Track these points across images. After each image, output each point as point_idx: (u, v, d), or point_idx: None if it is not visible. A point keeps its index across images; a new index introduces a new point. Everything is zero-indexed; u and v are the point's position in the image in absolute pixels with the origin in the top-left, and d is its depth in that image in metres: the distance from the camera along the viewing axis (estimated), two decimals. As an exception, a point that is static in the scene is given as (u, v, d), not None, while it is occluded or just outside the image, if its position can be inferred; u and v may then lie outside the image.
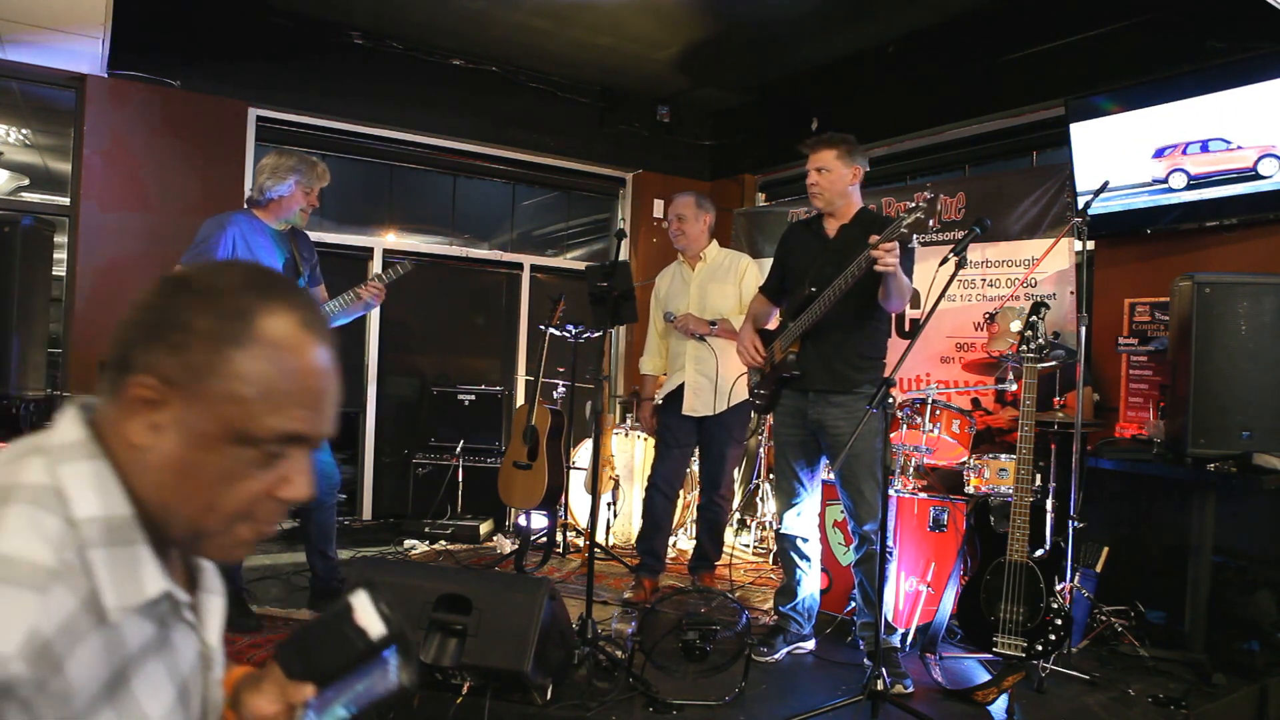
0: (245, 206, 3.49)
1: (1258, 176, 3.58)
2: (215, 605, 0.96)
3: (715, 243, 4.13)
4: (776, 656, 3.25)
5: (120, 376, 0.79)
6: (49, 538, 0.72)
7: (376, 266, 5.75)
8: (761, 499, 5.14)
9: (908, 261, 3.11)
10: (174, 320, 0.78)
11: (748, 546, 5.15)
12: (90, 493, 0.77)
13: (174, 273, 0.87)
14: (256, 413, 0.78)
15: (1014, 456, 3.14)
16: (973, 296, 4.56)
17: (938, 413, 3.64)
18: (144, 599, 0.79)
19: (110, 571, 0.76)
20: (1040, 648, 2.95)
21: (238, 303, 0.80)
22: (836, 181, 3.20)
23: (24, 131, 5.48)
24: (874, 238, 2.86)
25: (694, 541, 4.30)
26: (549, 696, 2.67)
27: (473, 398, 5.54)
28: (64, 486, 0.76)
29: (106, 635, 0.75)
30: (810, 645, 3.38)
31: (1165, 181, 3.86)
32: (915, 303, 3.72)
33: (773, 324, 3.51)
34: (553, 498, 4.54)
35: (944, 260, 2.82)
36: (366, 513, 5.64)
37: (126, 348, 0.79)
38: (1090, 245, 3.80)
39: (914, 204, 2.90)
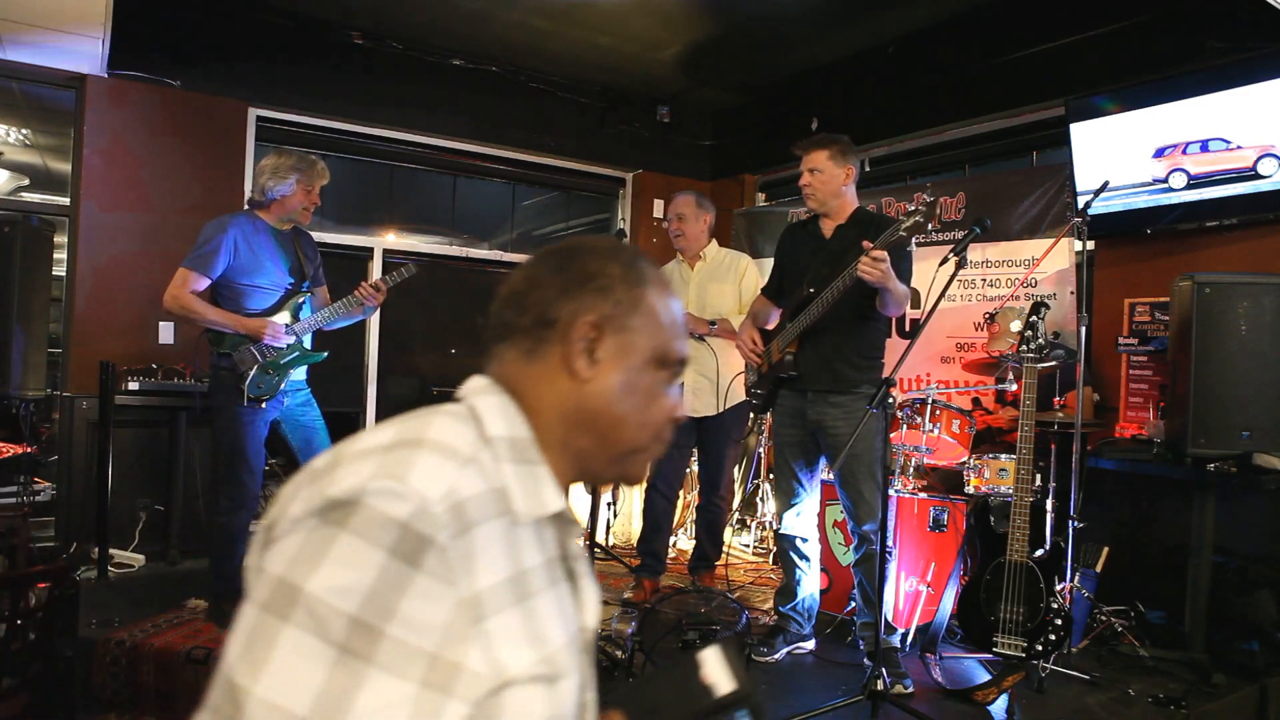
0: (247, 208, 3.49)
1: (1257, 176, 3.58)
2: (592, 595, 1.00)
3: (715, 242, 4.13)
4: (776, 656, 3.25)
5: (542, 331, 0.92)
6: (467, 439, 0.84)
7: (376, 266, 5.75)
8: (761, 499, 5.14)
9: (905, 264, 3.11)
10: (591, 271, 0.94)
11: (747, 546, 5.15)
12: (498, 417, 0.89)
13: (556, 247, 0.99)
14: (666, 338, 0.96)
15: (1014, 456, 3.14)
16: (973, 296, 4.56)
17: (938, 413, 3.64)
18: (546, 511, 0.88)
19: (518, 481, 0.86)
20: (1040, 648, 2.95)
21: (626, 252, 0.97)
22: (829, 182, 3.20)
23: (24, 131, 5.49)
24: (866, 243, 2.86)
25: (694, 542, 4.30)
26: (549, 696, 2.66)
27: (473, 398, 5.53)
28: (478, 410, 0.89)
29: (511, 532, 0.83)
30: (810, 645, 3.38)
31: (1165, 181, 3.86)
32: (915, 303, 3.72)
33: (773, 324, 3.51)
34: (553, 498, 4.53)
35: (944, 260, 2.82)
36: (366, 513, 5.63)
37: (543, 307, 0.93)
38: (1090, 245, 3.81)
39: (913, 207, 2.89)
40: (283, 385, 3.35)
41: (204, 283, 3.24)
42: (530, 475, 0.88)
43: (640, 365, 0.94)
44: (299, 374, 3.46)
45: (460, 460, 0.80)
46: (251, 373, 3.26)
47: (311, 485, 0.77)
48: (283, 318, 3.38)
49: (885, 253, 2.83)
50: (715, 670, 0.92)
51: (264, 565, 0.75)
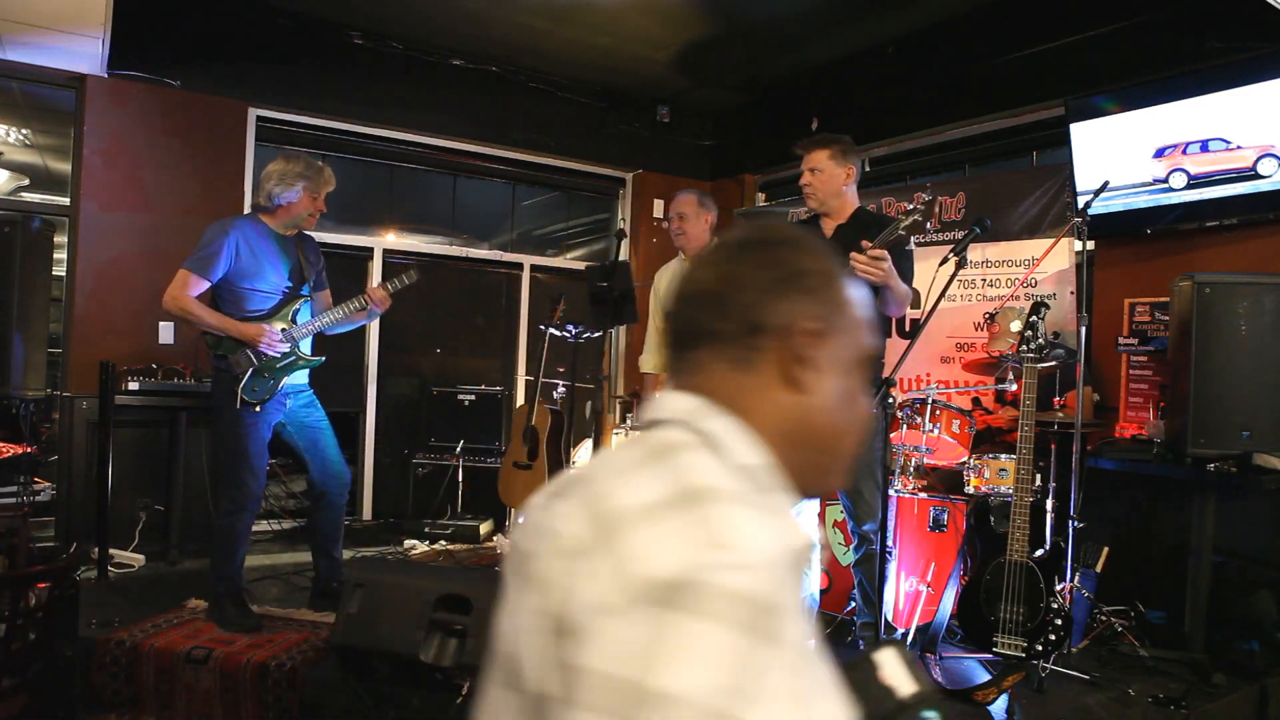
0: (251, 211, 3.48)
1: (1257, 176, 3.58)
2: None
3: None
4: (776, 656, 3.25)
5: (752, 338, 0.83)
6: (728, 475, 0.76)
7: (376, 266, 5.75)
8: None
9: (906, 264, 3.10)
10: (797, 268, 0.84)
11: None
12: (740, 444, 0.80)
13: (746, 238, 0.90)
14: (866, 334, 0.88)
15: (1014, 456, 3.14)
16: (973, 296, 4.56)
17: (938, 413, 3.64)
18: (805, 541, 0.79)
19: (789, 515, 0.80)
20: (1040, 648, 2.95)
21: (817, 241, 0.89)
22: (829, 182, 3.20)
23: (24, 131, 5.49)
24: (866, 243, 2.86)
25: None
26: (549, 696, 2.66)
27: (473, 398, 5.54)
28: (716, 437, 0.79)
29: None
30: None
31: (1165, 181, 3.85)
32: (915, 303, 3.71)
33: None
34: (553, 498, 4.53)
35: (944, 260, 2.82)
36: (366, 513, 5.64)
37: (750, 310, 0.83)
38: (1090, 245, 3.80)
39: (912, 205, 2.89)
40: (279, 389, 3.35)
41: (203, 285, 3.24)
42: (783, 503, 0.83)
43: (852, 369, 0.87)
44: (300, 376, 3.45)
45: (758, 506, 0.73)
46: (246, 376, 3.26)
47: (598, 560, 0.69)
48: (280, 322, 3.37)
49: (885, 252, 2.82)
50: (894, 672, 0.90)
51: (584, 663, 0.66)
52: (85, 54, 4.33)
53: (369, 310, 3.49)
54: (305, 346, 3.46)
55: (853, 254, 2.86)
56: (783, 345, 0.83)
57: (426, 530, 5.01)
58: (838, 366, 0.85)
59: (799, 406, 0.83)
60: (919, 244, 4.56)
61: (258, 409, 3.29)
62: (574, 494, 0.78)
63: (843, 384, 0.86)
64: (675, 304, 0.89)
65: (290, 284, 3.42)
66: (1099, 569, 3.54)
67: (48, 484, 4.57)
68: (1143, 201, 3.93)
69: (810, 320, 0.83)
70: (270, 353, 3.30)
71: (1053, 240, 4.20)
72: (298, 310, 3.43)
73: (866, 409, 0.91)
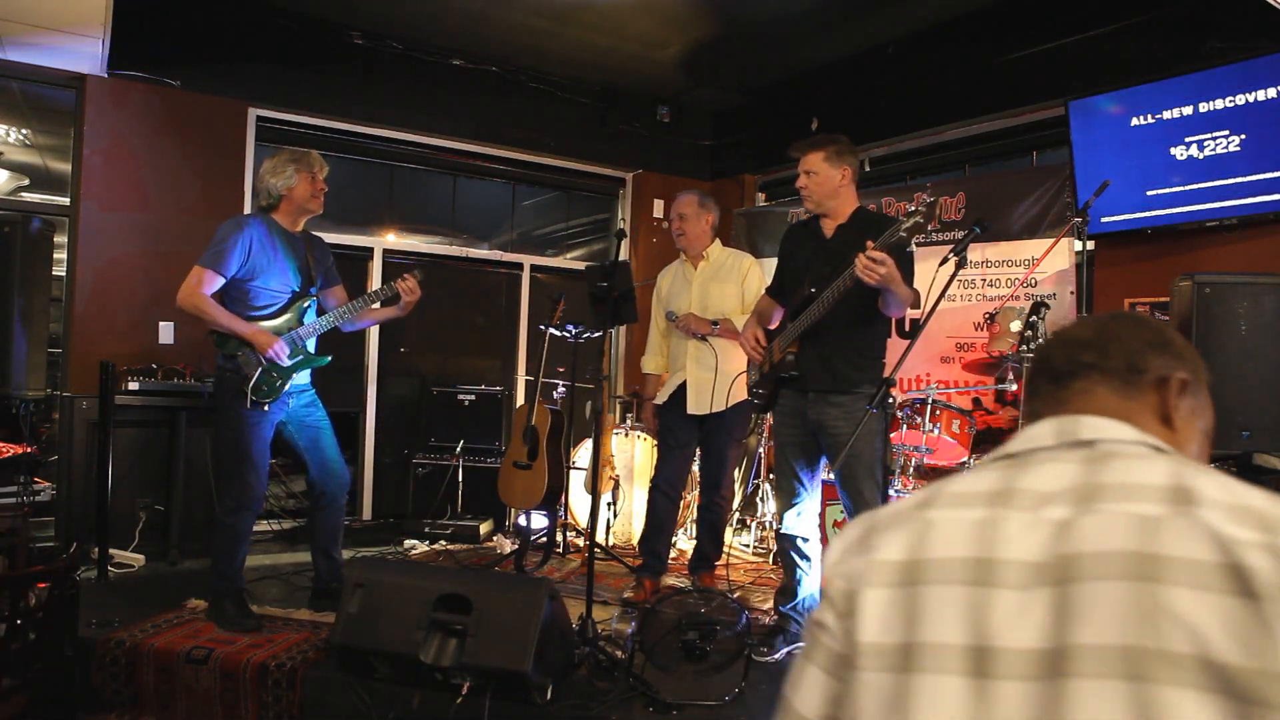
0: (259, 211, 3.47)
1: (1257, 176, 3.58)
2: None
3: (718, 242, 4.13)
4: (776, 656, 3.26)
5: (1131, 375, 0.95)
6: None
7: (377, 266, 5.75)
8: (761, 499, 5.14)
9: (906, 266, 3.10)
10: (1165, 337, 0.98)
11: (747, 546, 5.14)
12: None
13: (1109, 313, 1.06)
14: (1209, 400, 1.01)
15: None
16: (973, 296, 4.57)
17: (938, 413, 3.64)
18: None
19: None
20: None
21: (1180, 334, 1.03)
22: (825, 183, 3.20)
23: (24, 131, 5.48)
24: (870, 244, 2.86)
25: (694, 542, 4.30)
26: (549, 696, 2.67)
27: (473, 398, 5.54)
28: (1177, 457, 0.87)
29: None
30: None
31: (1165, 181, 3.85)
32: (915, 303, 3.71)
33: (776, 324, 3.51)
34: (553, 498, 4.54)
35: (944, 260, 2.82)
36: (366, 513, 5.64)
37: (1130, 355, 0.96)
38: (1090, 245, 3.80)
39: (913, 207, 2.88)
40: (286, 388, 3.35)
41: (219, 281, 3.25)
42: None
43: (1203, 423, 0.98)
44: (303, 376, 3.46)
45: None
46: (256, 375, 3.27)
47: None
48: (288, 320, 3.38)
49: (885, 254, 2.82)
50: None
51: None
52: (85, 54, 4.33)
53: (400, 303, 3.48)
54: (311, 346, 3.47)
55: (860, 258, 2.85)
56: (1160, 388, 0.94)
57: (426, 530, 5.01)
58: (1194, 418, 0.97)
59: (1172, 442, 0.92)
60: (919, 244, 4.57)
61: (265, 408, 3.29)
62: (1181, 512, 0.76)
63: (1198, 431, 0.98)
64: (1054, 348, 1.01)
65: (299, 284, 3.43)
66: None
67: (48, 484, 4.57)
68: (1143, 201, 3.93)
69: (1182, 373, 0.95)
70: (279, 362, 3.31)
71: (1053, 240, 4.20)
72: (305, 310, 3.44)
73: (1206, 458, 1.01)
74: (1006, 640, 0.77)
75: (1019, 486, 0.86)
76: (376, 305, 3.55)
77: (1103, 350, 0.96)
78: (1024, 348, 3.12)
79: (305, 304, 3.44)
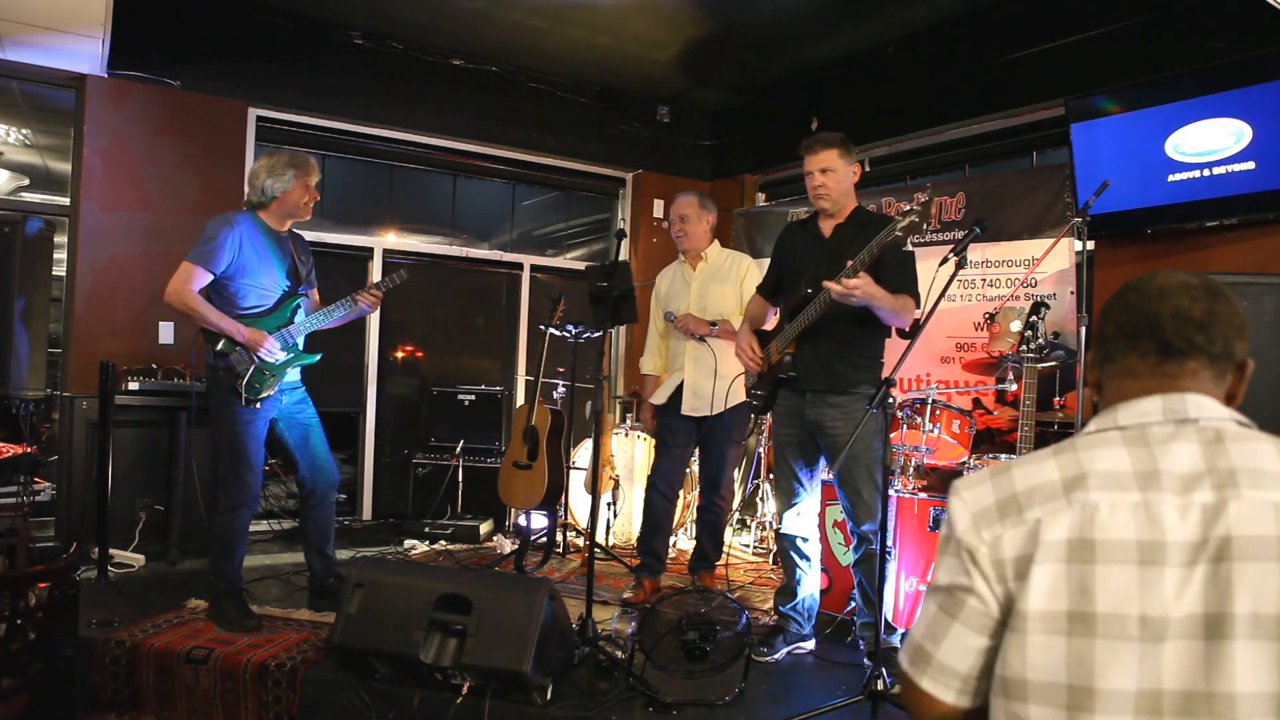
0: (247, 208, 3.48)
1: (1258, 176, 3.58)
2: None
3: (717, 243, 4.13)
4: (776, 656, 3.25)
5: (1224, 362, 1.09)
6: None
7: (376, 266, 5.75)
8: (761, 499, 5.14)
9: (908, 268, 3.10)
10: (1243, 320, 1.11)
11: (747, 546, 5.15)
12: None
13: (1217, 285, 1.12)
14: None
15: (1014, 457, 3.14)
16: (973, 296, 4.57)
17: (938, 413, 3.64)
18: None
19: None
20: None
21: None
22: (842, 180, 3.18)
23: (24, 131, 5.48)
24: (848, 263, 2.87)
25: (694, 542, 4.30)
26: (549, 696, 2.67)
27: (473, 398, 5.54)
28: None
29: None
30: (810, 645, 3.38)
31: (1165, 181, 3.85)
32: (916, 304, 3.71)
33: (770, 324, 3.51)
34: (553, 498, 4.54)
35: (944, 260, 2.82)
36: (366, 513, 5.64)
37: (1227, 342, 1.08)
38: (1090, 245, 3.80)
39: (909, 207, 2.87)
40: (278, 385, 3.36)
41: (207, 278, 3.25)
42: None
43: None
44: (293, 374, 3.47)
45: None
46: (248, 373, 3.27)
47: None
48: (280, 318, 3.39)
49: (860, 280, 2.83)
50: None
51: None
52: (85, 54, 4.33)
53: (359, 308, 3.51)
54: (302, 343, 3.48)
55: (825, 283, 2.87)
56: (1239, 371, 1.10)
57: (426, 530, 5.01)
58: (1241, 397, 1.12)
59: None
60: (918, 244, 4.57)
61: (258, 405, 3.29)
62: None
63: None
64: (1165, 318, 1.08)
65: (289, 282, 3.43)
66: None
67: (48, 484, 4.55)
68: (1143, 201, 3.93)
69: (1249, 359, 1.10)
70: (270, 359, 3.31)
71: (1053, 240, 4.20)
72: (296, 308, 3.44)
73: None
74: (1172, 609, 0.94)
75: (1161, 469, 1.00)
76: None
77: (1210, 334, 1.07)
78: (1024, 348, 3.11)
79: (297, 301, 3.45)
